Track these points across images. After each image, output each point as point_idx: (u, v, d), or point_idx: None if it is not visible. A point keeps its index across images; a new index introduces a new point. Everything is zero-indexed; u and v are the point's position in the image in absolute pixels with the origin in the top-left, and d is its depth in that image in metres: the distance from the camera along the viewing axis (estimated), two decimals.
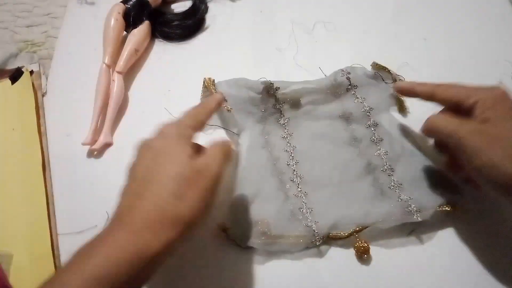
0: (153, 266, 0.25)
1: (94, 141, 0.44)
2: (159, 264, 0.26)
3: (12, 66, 0.52)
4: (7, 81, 0.49)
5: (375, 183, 0.39)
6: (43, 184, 0.42)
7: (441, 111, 0.37)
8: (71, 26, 0.55)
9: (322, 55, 0.50)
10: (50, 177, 0.43)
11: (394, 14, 0.53)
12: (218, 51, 0.52)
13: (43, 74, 0.51)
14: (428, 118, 0.37)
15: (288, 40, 0.52)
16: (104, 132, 0.45)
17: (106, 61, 0.47)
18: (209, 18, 0.55)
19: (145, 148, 0.30)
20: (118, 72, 0.47)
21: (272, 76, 0.45)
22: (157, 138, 0.31)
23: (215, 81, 0.44)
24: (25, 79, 0.49)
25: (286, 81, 0.44)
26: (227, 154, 0.32)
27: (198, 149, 0.32)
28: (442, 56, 0.49)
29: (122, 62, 0.48)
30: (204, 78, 0.45)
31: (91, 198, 0.42)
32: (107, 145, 0.45)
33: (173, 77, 0.50)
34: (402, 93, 0.42)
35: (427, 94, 0.37)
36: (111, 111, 0.46)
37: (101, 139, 0.44)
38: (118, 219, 0.27)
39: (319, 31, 0.52)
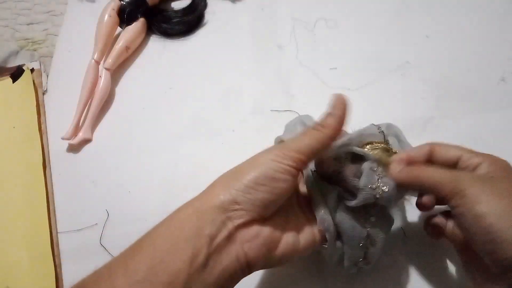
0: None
1: (74, 136, 0.45)
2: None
3: (12, 64, 0.52)
4: (8, 79, 0.49)
5: None
6: (44, 182, 0.42)
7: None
8: (71, 24, 0.55)
9: (323, 52, 0.50)
10: (50, 175, 0.44)
11: (396, 11, 0.52)
12: (218, 48, 0.52)
13: (44, 72, 0.51)
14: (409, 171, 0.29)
15: (289, 37, 0.51)
16: (84, 128, 0.45)
17: (95, 57, 0.47)
18: (209, 15, 0.55)
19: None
20: (106, 69, 0.47)
21: (272, 73, 0.44)
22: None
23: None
24: (25, 77, 0.49)
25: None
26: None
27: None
28: (444, 53, 0.48)
29: (111, 59, 0.48)
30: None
31: (91, 196, 0.42)
32: (86, 141, 0.45)
33: (170, 73, 0.50)
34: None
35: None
36: (94, 107, 0.46)
37: (80, 135, 0.45)
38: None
39: (320, 28, 0.52)
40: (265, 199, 0.26)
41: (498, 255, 0.24)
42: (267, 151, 0.28)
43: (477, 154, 0.29)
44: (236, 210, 0.26)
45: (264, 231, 0.26)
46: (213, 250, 0.24)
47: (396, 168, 0.29)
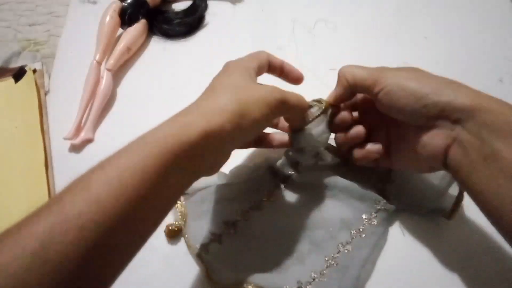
0: (200, 145, 0.27)
1: (76, 136, 0.45)
2: (207, 146, 0.28)
3: (15, 64, 0.52)
4: (10, 80, 0.50)
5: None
6: (46, 182, 0.43)
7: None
8: (73, 25, 0.56)
9: (322, 53, 0.50)
10: (53, 175, 0.44)
11: (395, 13, 0.53)
12: (219, 48, 0.52)
13: (46, 72, 0.51)
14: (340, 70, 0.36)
15: (289, 38, 0.52)
16: (86, 128, 0.45)
17: (96, 58, 0.48)
18: (209, 16, 0.55)
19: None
20: (108, 70, 0.48)
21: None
22: (221, 69, 0.34)
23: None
24: (28, 77, 0.50)
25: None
26: (298, 103, 0.34)
27: None
28: (442, 54, 0.49)
29: (112, 59, 0.48)
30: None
31: None
32: (88, 141, 0.46)
33: (171, 74, 0.50)
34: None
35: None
36: (96, 107, 0.46)
37: (82, 135, 0.45)
38: (178, 114, 0.30)
39: (320, 29, 0.52)
40: None
41: (428, 108, 0.30)
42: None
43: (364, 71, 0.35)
44: None
45: None
46: None
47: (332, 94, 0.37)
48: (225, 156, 0.31)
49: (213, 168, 0.31)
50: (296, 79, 0.38)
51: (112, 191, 0.23)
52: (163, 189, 0.26)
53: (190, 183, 0.29)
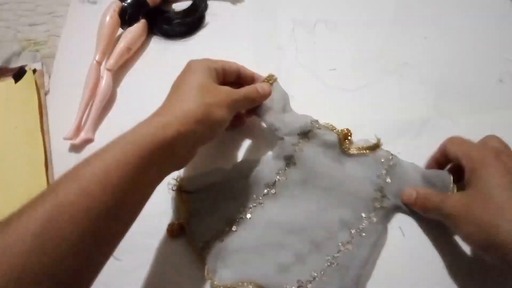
0: (173, 146, 0.31)
1: (76, 136, 0.45)
2: (179, 147, 0.32)
3: (15, 64, 0.52)
4: (10, 80, 0.50)
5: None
6: (46, 182, 0.43)
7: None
8: (73, 25, 0.56)
9: (322, 53, 0.50)
10: (53, 175, 0.44)
11: (395, 13, 0.53)
12: (219, 49, 0.52)
13: (46, 72, 0.51)
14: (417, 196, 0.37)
15: (289, 38, 0.52)
16: (86, 128, 0.45)
17: (96, 58, 0.48)
18: (209, 16, 0.55)
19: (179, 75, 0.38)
20: (108, 70, 0.48)
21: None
22: (184, 68, 0.38)
23: (276, 83, 0.42)
24: (28, 77, 0.50)
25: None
26: (248, 98, 0.38)
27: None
28: (442, 54, 0.49)
29: (112, 59, 0.48)
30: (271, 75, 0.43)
31: None
32: (88, 141, 0.46)
33: (172, 74, 0.50)
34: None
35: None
36: (96, 108, 0.46)
37: (82, 135, 0.45)
38: (154, 114, 0.34)
39: (320, 30, 0.52)
40: None
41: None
42: None
43: (463, 153, 0.34)
44: None
45: None
46: None
47: (412, 196, 0.37)
48: (192, 154, 0.35)
49: (181, 164, 0.35)
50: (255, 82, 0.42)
51: (99, 182, 0.27)
52: (142, 181, 0.29)
53: (162, 177, 0.33)
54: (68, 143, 0.45)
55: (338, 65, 0.48)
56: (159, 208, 0.40)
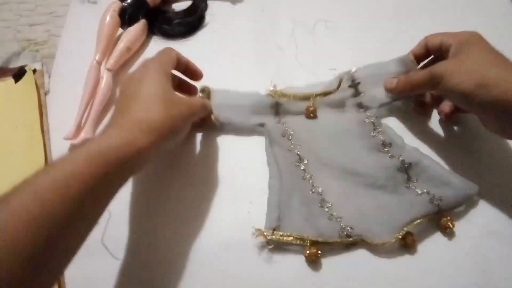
0: (138, 159, 0.32)
1: (76, 136, 0.45)
2: (142, 160, 0.33)
3: (15, 64, 0.52)
4: (10, 80, 0.50)
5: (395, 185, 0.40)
6: None
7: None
8: (73, 25, 0.56)
9: (322, 53, 0.50)
10: None
11: (394, 13, 0.53)
12: (219, 49, 0.52)
13: (46, 72, 0.51)
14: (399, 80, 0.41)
15: (289, 38, 0.52)
16: (86, 128, 0.45)
17: (96, 58, 0.48)
18: (209, 16, 0.55)
19: (130, 75, 0.38)
20: (108, 70, 0.48)
21: (272, 74, 0.45)
22: (140, 70, 0.37)
23: (212, 91, 0.44)
24: (28, 77, 0.50)
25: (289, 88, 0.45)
26: (204, 107, 0.41)
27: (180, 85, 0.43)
28: None
29: (112, 59, 0.48)
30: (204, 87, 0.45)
31: None
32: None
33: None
34: (399, 90, 0.42)
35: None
36: (96, 107, 0.46)
37: (82, 135, 0.45)
38: (110, 124, 0.34)
39: (320, 30, 0.53)
40: None
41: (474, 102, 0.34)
42: None
43: (448, 36, 0.39)
44: None
45: None
46: None
47: (393, 83, 0.42)
48: (149, 163, 0.35)
49: (138, 172, 0.35)
50: (198, 76, 0.44)
51: (58, 192, 0.26)
52: (100, 193, 0.29)
53: (122, 185, 0.32)
54: (68, 143, 0.45)
55: (338, 65, 0.48)
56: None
